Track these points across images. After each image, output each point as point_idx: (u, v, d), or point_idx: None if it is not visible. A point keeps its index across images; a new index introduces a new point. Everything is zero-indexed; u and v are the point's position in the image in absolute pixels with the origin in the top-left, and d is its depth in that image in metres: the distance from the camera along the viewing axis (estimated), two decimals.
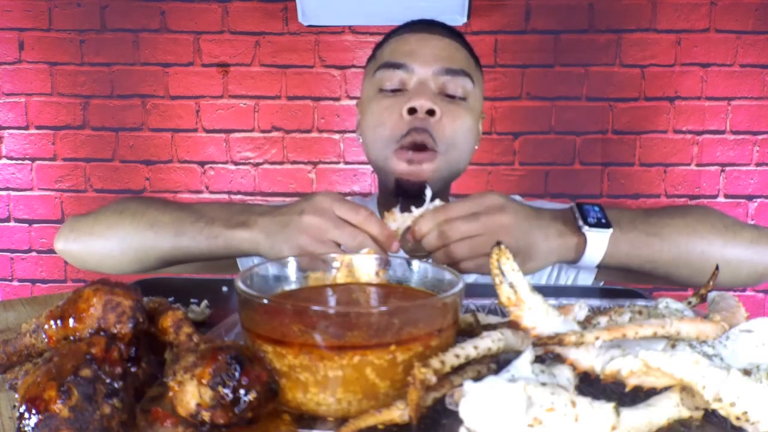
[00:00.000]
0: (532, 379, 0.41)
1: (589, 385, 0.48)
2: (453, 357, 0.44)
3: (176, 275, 0.99)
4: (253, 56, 2.14)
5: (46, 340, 0.48)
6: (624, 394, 0.46)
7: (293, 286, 0.58)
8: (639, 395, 0.44)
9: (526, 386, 0.38)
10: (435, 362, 0.42)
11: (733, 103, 2.09)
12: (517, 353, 0.44)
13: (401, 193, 0.96)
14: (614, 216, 0.81)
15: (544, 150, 2.13)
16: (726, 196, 2.13)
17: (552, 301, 0.62)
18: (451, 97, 0.98)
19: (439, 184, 0.98)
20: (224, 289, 0.84)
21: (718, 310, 0.53)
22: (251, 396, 0.42)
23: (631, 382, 0.42)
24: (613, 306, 0.61)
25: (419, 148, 0.95)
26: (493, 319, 0.59)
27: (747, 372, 0.42)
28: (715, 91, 2.09)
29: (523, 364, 0.42)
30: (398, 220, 0.75)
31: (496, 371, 0.45)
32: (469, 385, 0.38)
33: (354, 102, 2.06)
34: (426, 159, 0.95)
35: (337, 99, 2.14)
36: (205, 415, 0.41)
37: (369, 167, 2.12)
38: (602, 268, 0.97)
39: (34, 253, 2.23)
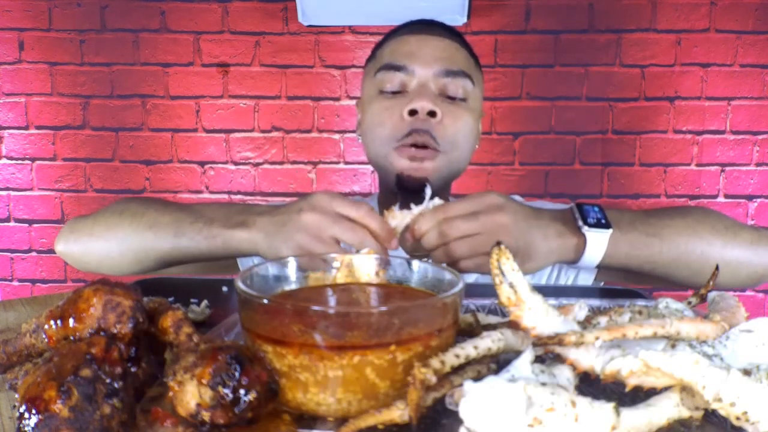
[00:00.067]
0: (532, 379, 0.41)
1: (589, 385, 0.48)
2: (453, 357, 0.44)
3: (176, 275, 0.99)
4: (253, 56, 2.14)
5: (46, 340, 0.48)
6: (624, 394, 0.46)
7: (293, 286, 0.58)
8: (639, 395, 0.44)
9: (526, 386, 0.38)
10: (435, 362, 0.42)
11: (733, 103, 2.09)
12: (517, 353, 0.44)
13: (402, 189, 0.96)
14: (614, 216, 0.81)
15: (544, 150, 2.13)
16: (726, 196, 2.13)
17: (552, 301, 0.62)
18: (452, 98, 0.98)
19: (439, 182, 0.98)
20: (224, 289, 0.84)
21: (718, 310, 0.53)
22: (251, 396, 0.42)
23: (631, 382, 0.42)
24: (613, 306, 0.61)
25: (421, 146, 0.95)
26: (493, 319, 0.59)
27: (747, 372, 0.42)
28: (715, 91, 2.09)
29: (523, 364, 0.42)
30: (397, 217, 0.75)
31: (496, 371, 0.45)
32: (469, 385, 0.38)
33: (354, 102, 2.06)
34: (428, 156, 0.95)
35: (337, 99, 2.14)
36: (205, 415, 0.41)
37: (369, 167, 2.12)
38: (602, 268, 0.97)
39: (34, 253, 2.23)
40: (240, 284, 0.49)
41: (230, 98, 2.16)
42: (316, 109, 2.15)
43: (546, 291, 0.53)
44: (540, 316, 0.45)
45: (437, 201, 0.76)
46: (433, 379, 0.41)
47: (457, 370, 0.45)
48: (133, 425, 0.43)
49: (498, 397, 0.37)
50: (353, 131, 2.13)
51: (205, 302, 0.76)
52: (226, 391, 0.41)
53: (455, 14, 1.95)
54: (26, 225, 2.22)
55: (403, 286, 0.59)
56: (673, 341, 0.47)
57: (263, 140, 2.17)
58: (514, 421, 0.37)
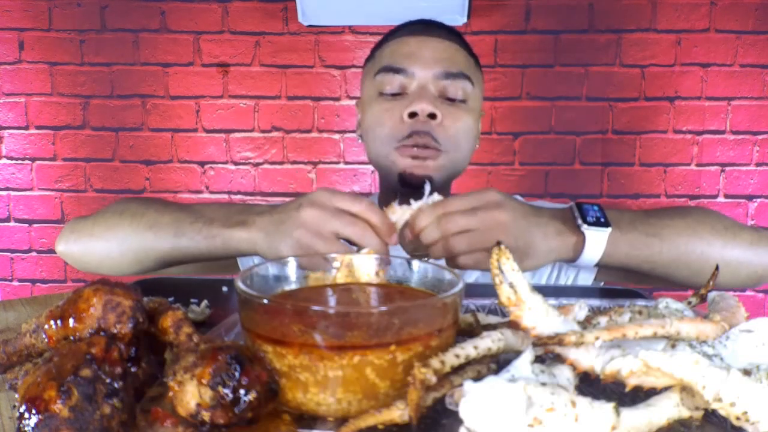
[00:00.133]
0: (532, 379, 0.41)
1: (589, 385, 0.48)
2: (453, 357, 0.44)
3: (176, 275, 0.99)
4: (253, 56, 2.14)
5: (46, 340, 0.48)
6: (624, 394, 0.46)
7: (293, 286, 0.58)
8: (639, 395, 0.44)
9: (526, 386, 0.38)
10: (435, 362, 0.42)
11: (733, 103, 2.09)
12: (517, 353, 0.44)
13: (405, 186, 0.96)
14: (613, 216, 0.81)
15: (544, 150, 2.13)
16: (726, 196, 2.13)
17: (552, 301, 0.62)
18: (451, 100, 0.98)
19: (441, 181, 0.98)
20: (224, 289, 0.84)
21: (718, 310, 0.53)
22: (251, 396, 0.42)
23: (631, 382, 0.42)
24: (613, 306, 0.61)
25: (422, 147, 0.95)
26: (493, 319, 0.59)
27: (747, 372, 0.42)
28: (715, 91, 2.09)
29: (523, 364, 0.42)
30: (397, 212, 0.75)
31: (496, 371, 0.45)
32: (469, 385, 0.38)
33: (354, 102, 2.06)
34: (430, 156, 0.95)
35: (337, 99, 2.14)
36: (205, 415, 0.41)
37: (369, 167, 2.12)
38: (602, 268, 0.97)
39: (34, 253, 2.23)
40: (240, 284, 0.49)
41: (230, 98, 2.16)
42: (316, 109, 2.15)
43: (546, 291, 0.53)
44: (540, 316, 0.45)
45: (436, 197, 0.76)
46: (433, 379, 0.41)
47: (457, 370, 0.45)
48: (133, 425, 0.43)
49: (498, 397, 0.37)
50: (353, 131, 2.13)
51: (205, 302, 0.76)
52: (226, 391, 0.41)
53: (455, 14, 1.95)
54: (26, 225, 2.22)
55: (403, 286, 0.59)
56: (673, 341, 0.47)
57: (263, 140, 2.17)
58: (514, 421, 0.37)
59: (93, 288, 0.48)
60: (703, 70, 2.08)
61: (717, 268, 0.62)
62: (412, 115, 0.94)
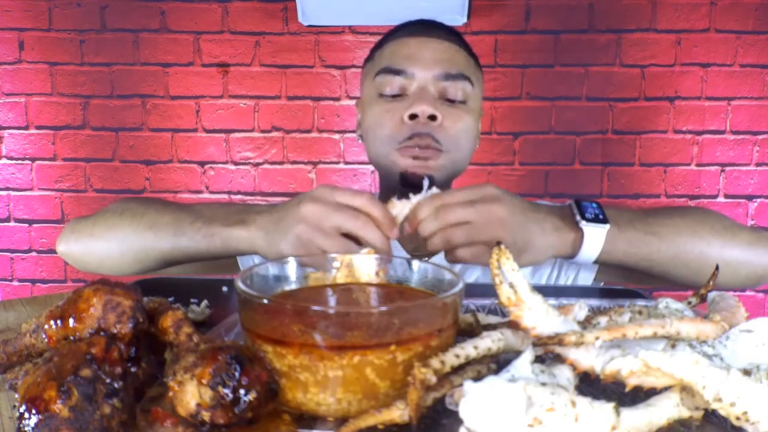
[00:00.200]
0: (532, 379, 0.41)
1: (589, 385, 0.48)
2: (453, 357, 0.44)
3: (176, 275, 0.99)
4: (253, 56, 2.14)
5: (46, 340, 0.48)
6: (624, 394, 0.46)
7: (293, 286, 0.58)
8: (639, 395, 0.44)
9: (526, 386, 0.38)
10: (435, 362, 0.42)
11: (733, 103, 2.09)
12: (517, 353, 0.44)
13: (406, 185, 0.96)
14: (612, 214, 0.82)
15: (544, 150, 2.13)
16: (726, 196, 2.13)
17: (552, 301, 0.62)
18: (451, 101, 0.98)
19: (441, 180, 0.98)
20: (224, 289, 0.84)
21: (718, 310, 0.53)
22: (251, 396, 0.42)
23: (631, 382, 0.42)
24: (613, 306, 0.61)
25: (424, 147, 0.95)
26: (493, 319, 0.59)
27: (747, 372, 0.42)
28: (715, 91, 2.09)
29: (523, 364, 0.42)
30: (397, 206, 0.75)
31: (496, 371, 0.45)
32: (469, 385, 0.38)
33: (354, 102, 2.06)
34: (432, 156, 0.95)
35: (337, 99, 2.14)
36: (205, 415, 0.41)
37: (369, 167, 2.12)
38: (601, 267, 0.97)
39: (34, 253, 2.23)
40: (240, 284, 0.49)
41: (230, 98, 2.16)
42: (316, 109, 2.15)
43: (546, 291, 0.53)
44: (540, 316, 0.45)
45: (435, 191, 0.76)
46: (433, 379, 0.41)
47: (457, 370, 0.45)
48: (133, 425, 0.43)
49: (498, 397, 0.37)
50: (353, 131, 2.12)
51: (205, 302, 0.76)
52: (226, 391, 0.41)
53: (455, 14, 1.95)
54: (26, 225, 2.22)
55: (403, 286, 0.59)
56: (673, 341, 0.47)
57: (263, 140, 2.17)
58: (514, 421, 0.37)
59: (93, 288, 0.48)
60: (703, 70, 2.08)
61: (717, 268, 0.62)
62: (413, 117, 0.94)
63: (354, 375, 0.44)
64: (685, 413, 0.43)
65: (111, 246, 0.90)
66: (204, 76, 2.15)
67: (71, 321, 0.47)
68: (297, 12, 2.01)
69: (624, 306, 0.56)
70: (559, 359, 0.45)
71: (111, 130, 2.18)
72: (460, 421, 0.38)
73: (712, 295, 0.58)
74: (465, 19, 2.00)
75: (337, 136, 2.16)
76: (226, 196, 2.20)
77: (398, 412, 0.42)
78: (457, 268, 1.03)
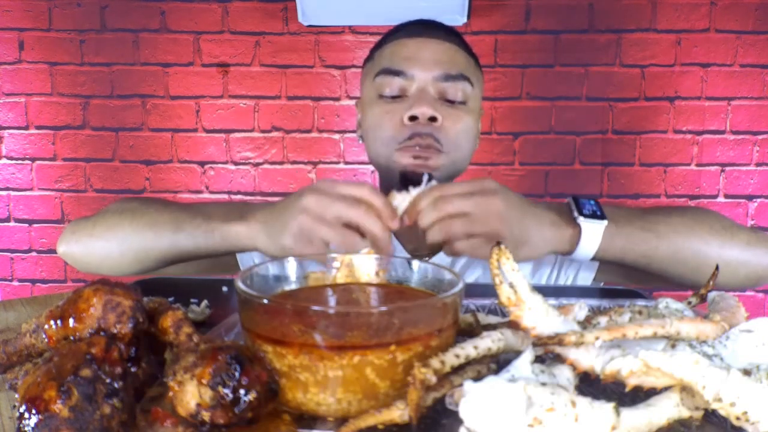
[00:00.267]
0: (532, 379, 0.41)
1: (589, 385, 0.48)
2: (453, 357, 0.44)
3: (176, 275, 0.99)
4: (253, 56, 2.14)
5: (46, 340, 0.48)
6: (624, 394, 0.46)
7: (293, 286, 0.58)
8: (639, 395, 0.44)
9: (526, 386, 0.38)
10: (435, 362, 0.42)
11: (733, 103, 2.09)
12: (517, 353, 0.44)
13: (406, 184, 0.97)
14: (610, 211, 0.82)
15: (544, 150, 2.13)
16: (726, 196, 2.13)
17: (552, 301, 0.62)
18: (451, 101, 0.98)
19: (442, 179, 0.98)
20: (224, 289, 0.84)
21: (718, 310, 0.53)
22: (251, 396, 0.42)
23: (631, 382, 0.42)
24: (613, 306, 0.61)
25: (425, 147, 0.95)
26: (493, 319, 0.59)
27: (747, 372, 0.42)
28: (715, 91, 2.09)
29: (523, 364, 0.42)
30: (397, 199, 0.76)
31: (496, 371, 0.45)
32: (469, 385, 0.38)
33: (354, 102, 2.06)
34: (432, 155, 0.95)
35: (337, 99, 2.14)
36: (205, 415, 0.41)
37: (369, 167, 2.12)
38: (600, 266, 0.97)
39: (34, 253, 2.23)
40: (240, 284, 0.49)
41: (230, 98, 2.16)
42: (316, 109, 2.15)
43: (546, 291, 0.53)
44: (540, 316, 0.45)
45: (434, 183, 0.77)
46: (433, 379, 0.41)
47: (457, 370, 0.45)
48: (133, 425, 0.43)
49: (498, 397, 0.37)
50: (353, 131, 2.12)
51: (205, 302, 0.76)
52: (226, 391, 0.41)
53: (455, 14, 1.95)
54: (26, 225, 2.22)
55: (403, 286, 0.59)
56: (673, 341, 0.47)
57: (263, 140, 2.17)
58: (514, 421, 0.37)
59: (93, 288, 0.48)
60: (703, 70, 2.08)
61: (717, 267, 0.62)
62: (413, 118, 0.95)
63: (354, 375, 0.44)
64: (685, 413, 0.43)
65: (111, 246, 0.90)
66: (204, 76, 2.15)
67: (71, 321, 0.47)
68: (297, 12, 2.01)
69: (624, 306, 0.56)
70: (559, 359, 0.45)
71: (111, 130, 2.18)
72: (460, 421, 0.38)
73: (712, 295, 0.58)
74: (465, 19, 2.00)
75: (337, 136, 2.16)
76: (226, 196, 2.20)
77: (398, 412, 0.42)
78: (458, 268, 1.03)
